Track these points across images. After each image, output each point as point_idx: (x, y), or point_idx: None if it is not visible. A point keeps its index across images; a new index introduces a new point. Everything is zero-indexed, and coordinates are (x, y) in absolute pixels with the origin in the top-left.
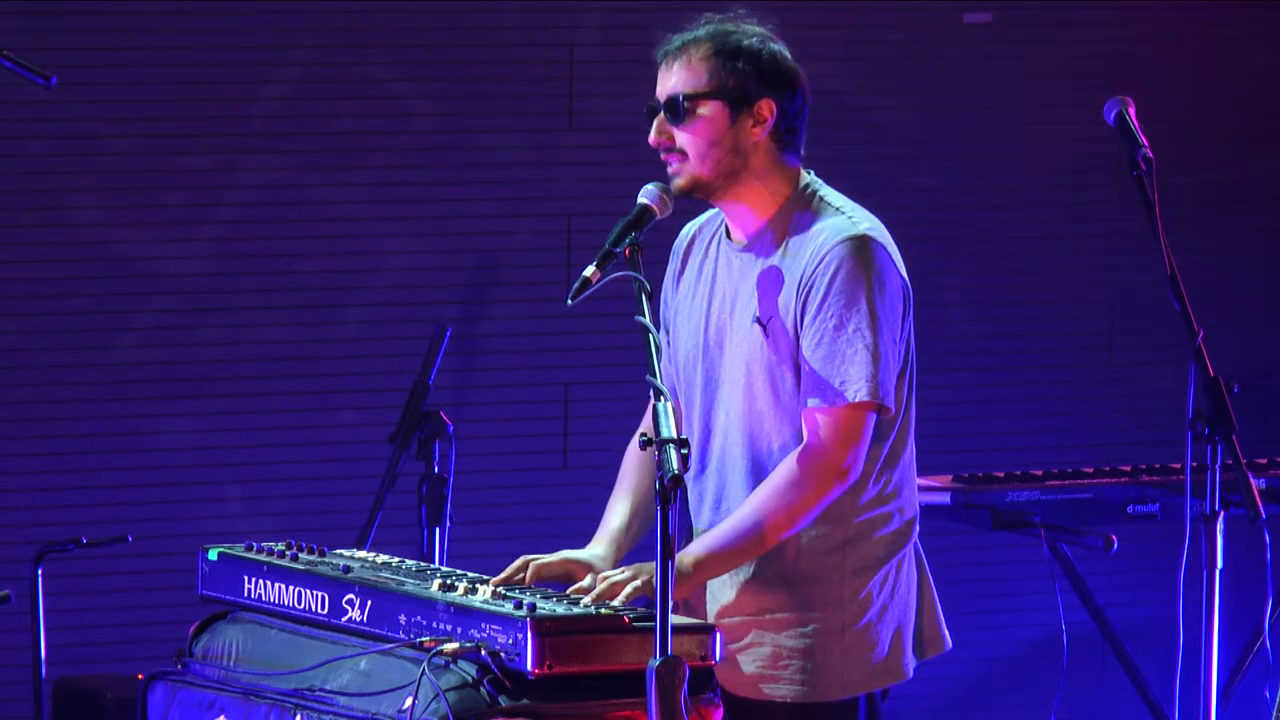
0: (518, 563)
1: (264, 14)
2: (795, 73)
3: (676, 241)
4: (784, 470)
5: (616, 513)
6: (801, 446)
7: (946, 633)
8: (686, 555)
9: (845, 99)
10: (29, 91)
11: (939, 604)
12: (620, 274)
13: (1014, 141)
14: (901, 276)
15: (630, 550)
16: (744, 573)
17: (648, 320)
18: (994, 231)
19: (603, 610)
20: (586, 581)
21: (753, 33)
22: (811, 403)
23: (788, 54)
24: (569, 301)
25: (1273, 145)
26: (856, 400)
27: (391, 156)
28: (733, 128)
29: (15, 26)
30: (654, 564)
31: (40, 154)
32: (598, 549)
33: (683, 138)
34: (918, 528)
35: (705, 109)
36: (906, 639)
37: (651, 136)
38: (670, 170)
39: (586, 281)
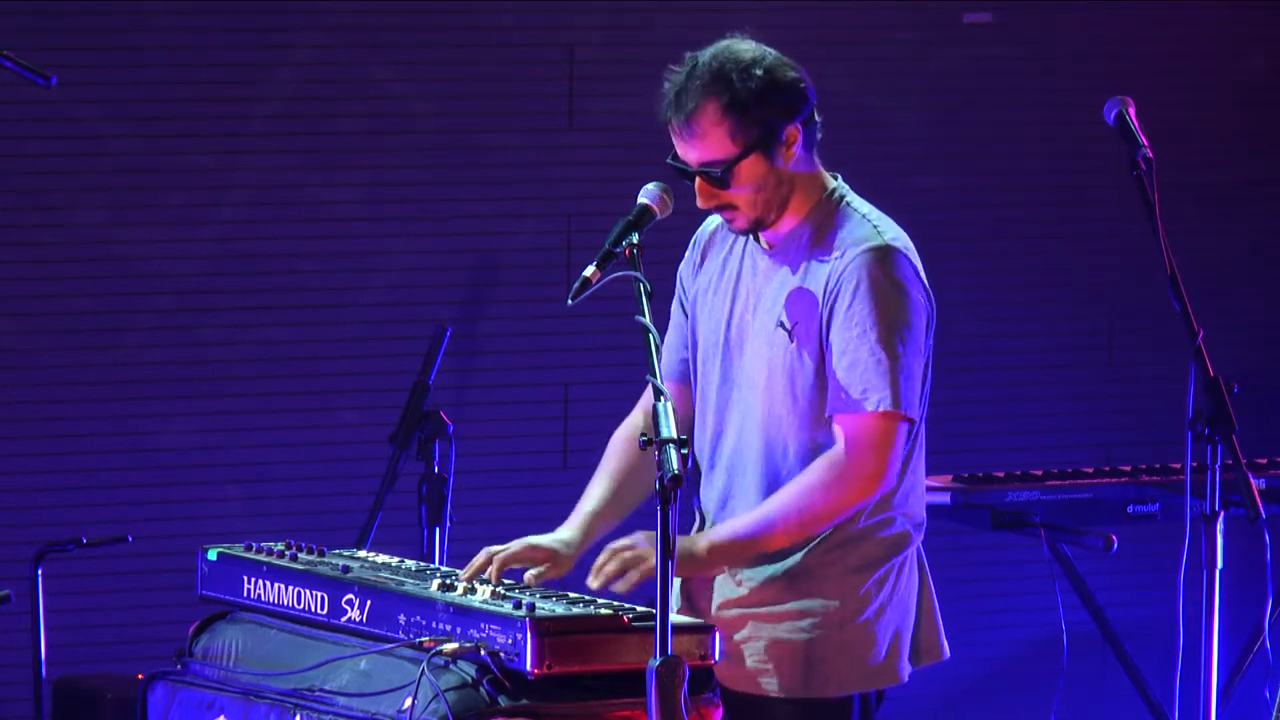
0: (481, 557)
1: (264, 14)
2: (800, 81)
3: (698, 232)
4: (814, 473)
5: (592, 496)
6: (831, 452)
7: (945, 642)
8: (702, 539)
9: (845, 99)
10: (29, 91)
11: (939, 613)
12: (620, 274)
13: (1014, 141)
14: (924, 289)
15: (605, 535)
16: (745, 567)
17: (648, 320)
18: (994, 231)
19: (601, 610)
20: (600, 559)
21: (746, 60)
22: (840, 411)
23: (784, 61)
24: (569, 301)
25: (1273, 145)
26: (881, 410)
27: (391, 156)
28: (772, 167)
29: (15, 26)
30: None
31: (40, 154)
32: (564, 534)
33: (731, 195)
34: (922, 534)
35: (743, 167)
36: (904, 642)
37: (700, 202)
38: (728, 223)
39: (586, 281)
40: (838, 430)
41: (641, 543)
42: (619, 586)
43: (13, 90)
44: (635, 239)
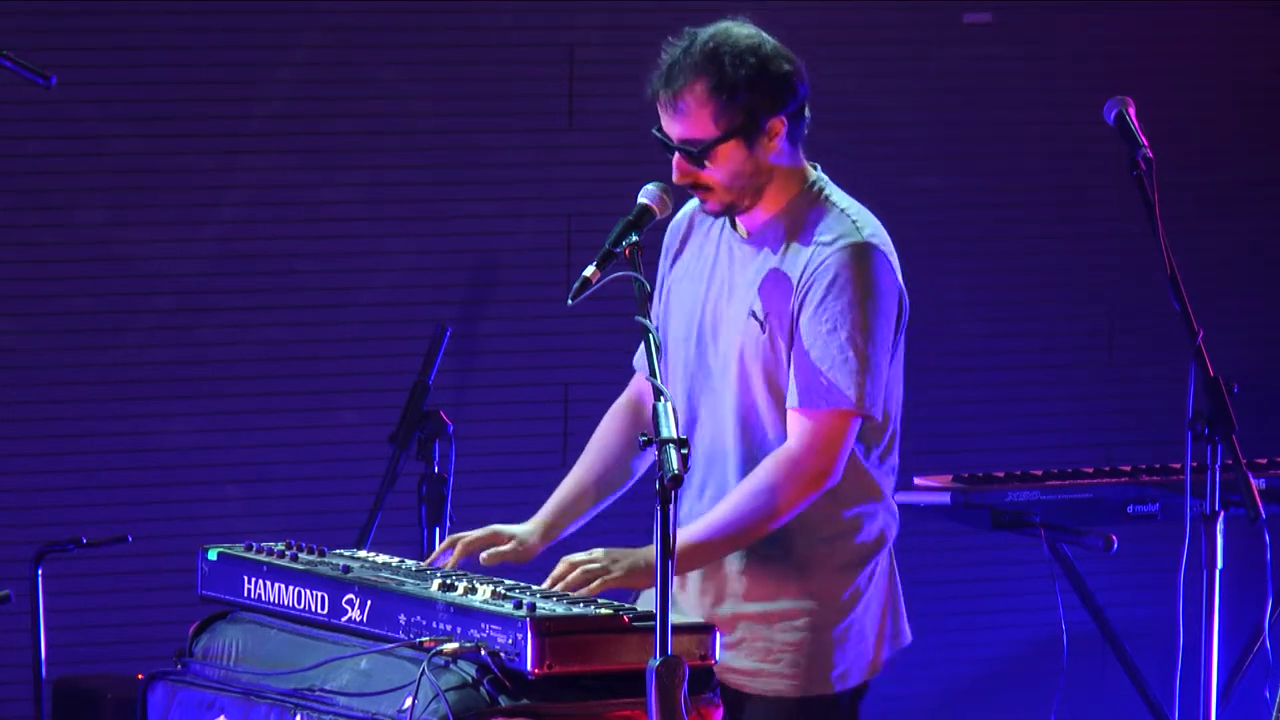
0: (445, 542)
1: (264, 14)
2: (793, 75)
3: (675, 220)
4: (762, 472)
5: (561, 489)
6: (781, 449)
7: (907, 626)
8: (654, 549)
9: (845, 99)
10: (29, 91)
11: (902, 599)
12: (620, 274)
13: (1014, 141)
14: (899, 285)
15: (571, 527)
16: (734, 568)
17: (648, 320)
18: (994, 231)
19: (601, 609)
20: (559, 570)
21: (742, 46)
22: (797, 406)
23: (780, 52)
24: (569, 301)
25: (1273, 145)
26: (842, 408)
27: (391, 156)
28: (751, 155)
29: (15, 26)
30: (629, 551)
31: (40, 154)
32: (527, 524)
33: (707, 176)
34: (897, 529)
35: (721, 150)
36: (886, 633)
37: (675, 177)
38: (702, 203)
39: (586, 281)
40: (794, 423)
41: (601, 557)
42: (581, 592)
43: (13, 90)
44: (635, 239)
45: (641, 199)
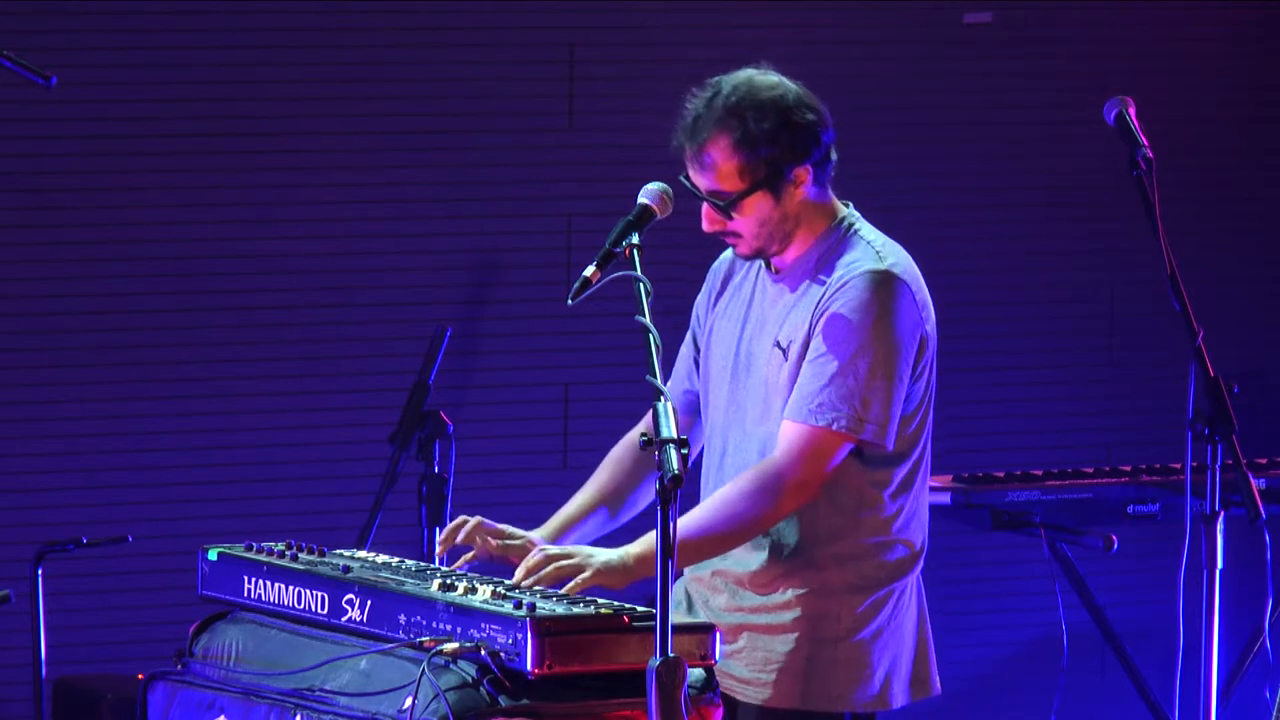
0: (455, 522)
1: (264, 14)
2: (816, 124)
3: (716, 263)
4: (742, 481)
5: (574, 503)
6: (767, 459)
7: (937, 677)
8: (630, 550)
9: (845, 99)
10: (29, 91)
11: (933, 649)
12: (620, 274)
13: (1014, 141)
14: (920, 317)
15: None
16: (742, 577)
17: (648, 320)
18: (994, 231)
19: (602, 610)
20: (534, 560)
21: (764, 99)
22: (789, 415)
23: (804, 101)
24: (569, 301)
25: (1273, 145)
26: (833, 428)
27: (391, 156)
28: (779, 204)
29: (15, 26)
30: (603, 550)
31: (40, 154)
32: (539, 533)
33: (735, 224)
34: (921, 563)
35: (748, 202)
36: (899, 670)
37: (705, 226)
38: (733, 248)
39: (586, 281)
40: (783, 432)
41: (576, 555)
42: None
43: (13, 90)
44: (635, 239)
45: (642, 199)
